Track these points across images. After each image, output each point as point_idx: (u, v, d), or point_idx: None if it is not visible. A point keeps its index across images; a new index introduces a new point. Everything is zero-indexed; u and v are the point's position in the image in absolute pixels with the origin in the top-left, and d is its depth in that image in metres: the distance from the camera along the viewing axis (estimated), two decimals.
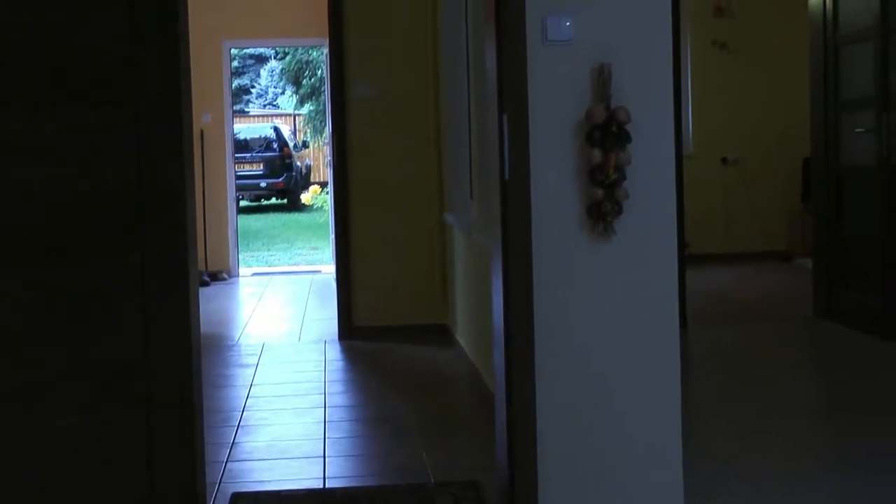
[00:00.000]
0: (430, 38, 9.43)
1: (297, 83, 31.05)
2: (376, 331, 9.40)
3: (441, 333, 9.30)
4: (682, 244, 9.68)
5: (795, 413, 7.10)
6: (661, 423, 4.64)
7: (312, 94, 29.57)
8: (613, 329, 4.59)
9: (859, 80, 9.17)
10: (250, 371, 8.43)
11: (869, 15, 8.92)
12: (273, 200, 26.26)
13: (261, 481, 5.69)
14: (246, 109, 34.33)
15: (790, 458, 5.96)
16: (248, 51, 32.23)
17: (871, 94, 8.92)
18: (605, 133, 4.46)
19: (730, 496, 5.24)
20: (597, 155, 4.46)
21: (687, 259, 11.43)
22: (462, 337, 8.61)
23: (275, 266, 15.49)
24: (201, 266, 12.98)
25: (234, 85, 19.23)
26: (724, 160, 14.27)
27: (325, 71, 17.10)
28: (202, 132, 13.36)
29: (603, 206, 4.48)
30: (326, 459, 6.06)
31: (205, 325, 5.00)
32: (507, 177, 4.52)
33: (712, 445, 6.11)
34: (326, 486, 5.58)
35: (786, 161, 13.92)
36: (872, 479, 5.46)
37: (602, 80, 4.49)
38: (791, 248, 13.85)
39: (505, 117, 4.51)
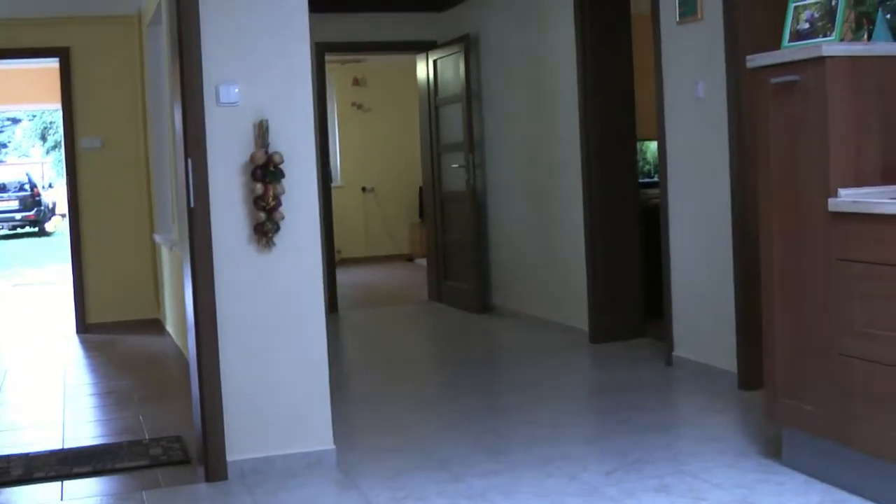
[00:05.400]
0: (140, 100, 9.09)
1: (44, 138, 29.90)
2: (105, 326, 9.03)
3: (154, 325, 9.02)
4: (333, 251, 9.69)
5: (421, 366, 7.20)
6: (313, 381, 4.57)
7: (56, 146, 28.50)
8: (277, 315, 4.51)
9: (453, 131, 9.36)
10: (3, 360, 7.90)
11: (458, 85, 9.13)
12: (27, 229, 25.04)
13: (13, 446, 5.31)
14: (3, 160, 32.51)
15: (418, 400, 6.00)
16: (5, 115, 30.53)
17: (461, 140, 9.11)
18: (265, 171, 4.40)
19: (370, 430, 5.23)
20: (259, 188, 4.39)
21: (339, 262, 11.48)
22: (170, 327, 8.38)
23: (29, 279, 14.72)
24: None
25: None
26: (363, 189, 14.38)
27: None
28: None
29: (265, 225, 4.42)
30: (65, 426, 5.71)
31: None
32: (192, 205, 4.37)
33: (360, 394, 6.11)
34: (65, 446, 5.26)
35: (406, 188, 14.16)
36: (476, 413, 5.53)
37: (261, 131, 4.42)
38: (412, 251, 14.06)
39: (189, 160, 4.36)
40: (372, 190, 14.40)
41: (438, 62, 9.58)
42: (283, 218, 4.45)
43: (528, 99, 8.18)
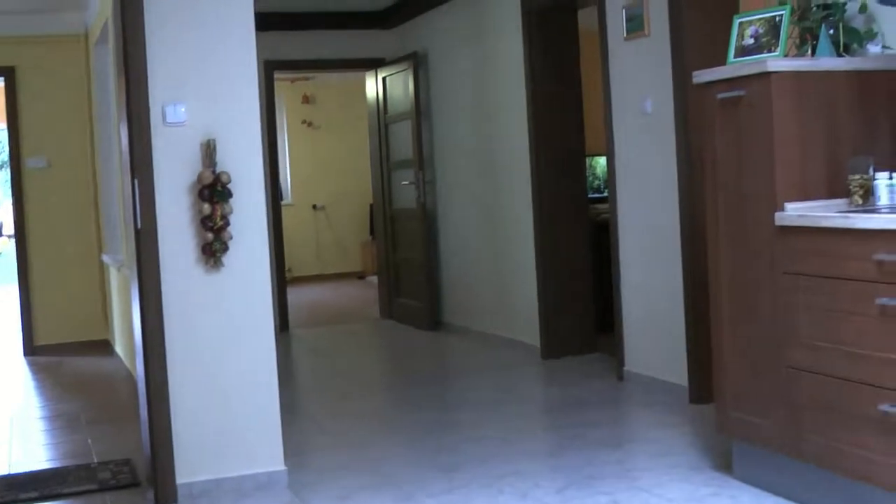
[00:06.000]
0: (87, 120, 8.97)
1: None
2: (53, 348, 8.87)
3: (103, 346, 8.88)
4: (283, 269, 9.61)
5: (373, 384, 7.15)
6: (264, 401, 4.52)
7: (2, 166, 28.06)
8: (226, 334, 4.46)
9: (402, 148, 9.33)
10: None
11: (407, 103, 9.11)
12: None
13: None
14: None
15: (370, 418, 5.96)
16: None
17: (410, 157, 9.09)
18: (213, 191, 4.36)
19: (321, 450, 5.17)
20: (206, 208, 4.36)
21: (290, 280, 11.39)
22: (119, 348, 8.25)
23: None
24: None
25: None
26: (314, 206, 14.30)
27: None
28: None
29: (213, 245, 4.38)
30: (11, 450, 5.60)
31: None
32: (139, 226, 4.31)
33: (311, 413, 6.05)
34: (11, 471, 5.14)
35: (357, 206, 14.11)
36: (428, 431, 5.49)
37: (209, 151, 4.38)
38: (363, 269, 14.00)
39: (136, 181, 4.30)
40: (322, 208, 14.33)
41: (387, 79, 9.56)
42: (231, 238, 4.40)
43: (477, 115, 8.18)
